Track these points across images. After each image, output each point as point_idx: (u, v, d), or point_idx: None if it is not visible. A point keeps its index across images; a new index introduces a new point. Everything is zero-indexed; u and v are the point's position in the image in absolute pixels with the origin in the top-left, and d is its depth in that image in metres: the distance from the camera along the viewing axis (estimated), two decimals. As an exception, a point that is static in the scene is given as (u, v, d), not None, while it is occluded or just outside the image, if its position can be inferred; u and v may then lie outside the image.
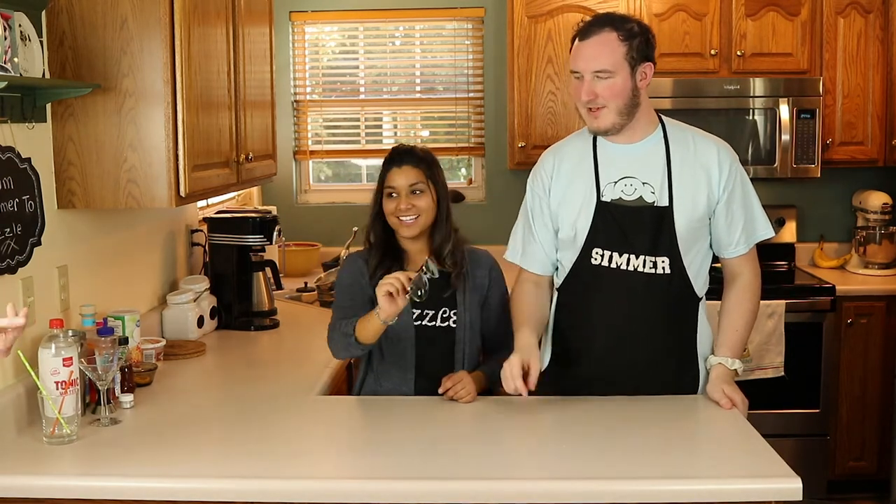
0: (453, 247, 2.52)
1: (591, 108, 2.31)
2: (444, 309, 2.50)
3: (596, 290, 2.38)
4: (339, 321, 2.46)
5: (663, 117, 2.41)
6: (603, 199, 2.35)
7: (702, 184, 2.33)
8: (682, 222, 2.32)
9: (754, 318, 2.43)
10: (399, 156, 2.50)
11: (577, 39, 2.33)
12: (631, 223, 2.33)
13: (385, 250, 2.52)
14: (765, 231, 2.41)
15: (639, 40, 2.28)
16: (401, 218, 2.46)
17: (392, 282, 2.25)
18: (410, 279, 2.25)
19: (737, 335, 2.39)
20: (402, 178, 2.47)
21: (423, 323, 2.49)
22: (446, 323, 2.50)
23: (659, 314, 2.36)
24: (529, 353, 2.29)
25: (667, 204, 2.32)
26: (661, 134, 2.37)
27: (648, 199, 2.34)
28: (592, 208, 2.35)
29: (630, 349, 2.38)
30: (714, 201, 2.34)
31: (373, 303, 2.38)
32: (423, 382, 2.47)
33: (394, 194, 2.47)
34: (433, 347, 2.49)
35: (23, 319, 1.87)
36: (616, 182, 2.35)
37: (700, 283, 2.40)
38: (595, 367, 2.41)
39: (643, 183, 2.34)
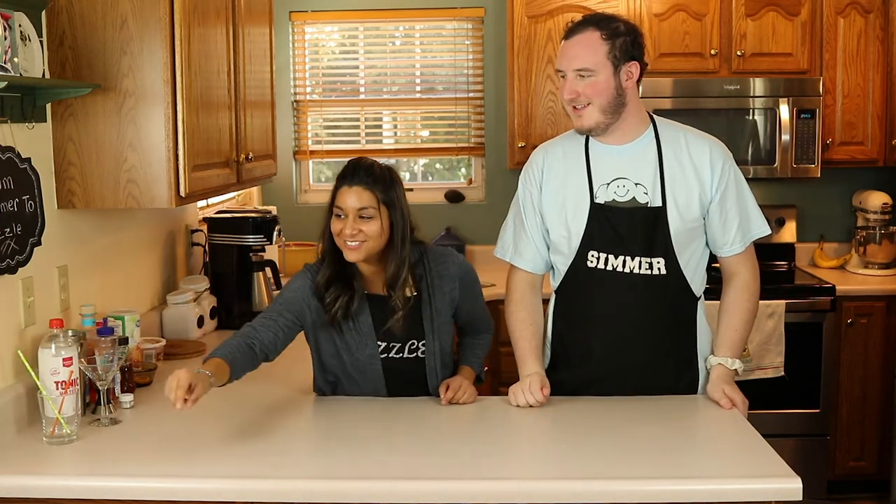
0: (409, 273, 2.35)
1: (575, 107, 2.32)
2: (411, 341, 2.40)
3: (593, 292, 2.38)
4: (237, 338, 2.28)
5: (655, 117, 2.41)
6: (596, 201, 2.35)
7: (694, 183, 2.33)
8: (676, 222, 2.32)
9: (753, 317, 2.43)
10: (353, 173, 2.30)
11: (563, 39, 2.35)
12: (625, 225, 2.33)
13: (338, 271, 2.35)
14: (760, 229, 2.40)
15: (623, 40, 2.28)
16: (346, 242, 2.29)
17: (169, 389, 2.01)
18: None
19: (736, 335, 2.38)
20: (353, 199, 2.27)
21: (390, 355, 2.39)
22: (414, 354, 2.41)
23: (657, 315, 2.36)
24: (541, 380, 2.34)
25: (660, 204, 2.32)
26: (653, 134, 2.37)
27: (641, 199, 2.33)
28: (586, 211, 2.35)
29: (629, 350, 2.38)
30: (707, 200, 2.34)
31: (304, 322, 2.37)
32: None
33: (341, 215, 2.29)
34: (403, 378, 2.41)
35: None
36: (609, 184, 2.35)
37: (697, 283, 2.39)
38: (594, 368, 2.41)
39: (636, 184, 2.34)
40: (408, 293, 2.36)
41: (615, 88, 2.29)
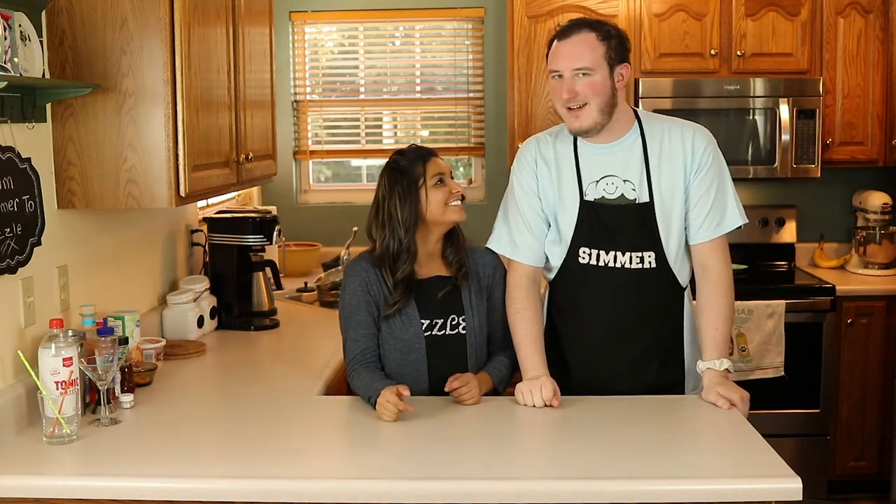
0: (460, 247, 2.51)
1: (571, 108, 2.34)
2: (451, 316, 2.46)
3: (586, 287, 2.41)
4: (363, 370, 2.39)
5: (639, 112, 2.44)
6: (586, 198, 2.37)
7: (679, 171, 2.36)
8: (664, 217, 2.36)
9: (732, 312, 2.41)
10: (428, 150, 2.50)
11: (555, 41, 2.37)
12: (615, 221, 2.36)
13: (412, 270, 2.44)
14: (733, 220, 2.40)
15: (615, 41, 2.32)
16: (454, 203, 2.46)
17: (390, 413, 2.22)
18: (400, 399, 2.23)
19: (718, 334, 2.37)
20: (444, 166, 2.48)
21: (433, 333, 2.45)
22: (455, 330, 2.46)
23: (650, 306, 2.40)
24: (552, 385, 2.32)
25: (647, 200, 2.35)
26: (638, 131, 2.40)
27: (630, 196, 2.36)
28: (576, 208, 2.38)
29: (624, 342, 2.40)
30: (687, 184, 2.37)
31: (378, 310, 2.42)
32: (439, 391, 2.41)
33: (443, 181, 2.45)
34: (445, 355, 2.45)
35: None
36: (597, 181, 2.38)
37: (684, 275, 2.44)
38: (590, 359, 2.43)
39: (624, 181, 2.37)
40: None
41: (610, 88, 2.32)
